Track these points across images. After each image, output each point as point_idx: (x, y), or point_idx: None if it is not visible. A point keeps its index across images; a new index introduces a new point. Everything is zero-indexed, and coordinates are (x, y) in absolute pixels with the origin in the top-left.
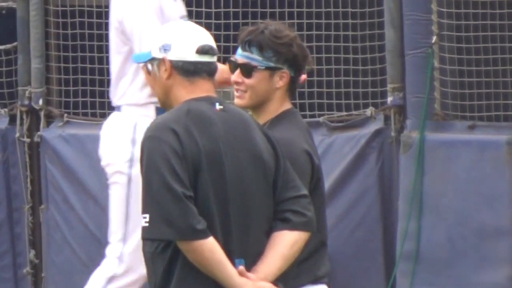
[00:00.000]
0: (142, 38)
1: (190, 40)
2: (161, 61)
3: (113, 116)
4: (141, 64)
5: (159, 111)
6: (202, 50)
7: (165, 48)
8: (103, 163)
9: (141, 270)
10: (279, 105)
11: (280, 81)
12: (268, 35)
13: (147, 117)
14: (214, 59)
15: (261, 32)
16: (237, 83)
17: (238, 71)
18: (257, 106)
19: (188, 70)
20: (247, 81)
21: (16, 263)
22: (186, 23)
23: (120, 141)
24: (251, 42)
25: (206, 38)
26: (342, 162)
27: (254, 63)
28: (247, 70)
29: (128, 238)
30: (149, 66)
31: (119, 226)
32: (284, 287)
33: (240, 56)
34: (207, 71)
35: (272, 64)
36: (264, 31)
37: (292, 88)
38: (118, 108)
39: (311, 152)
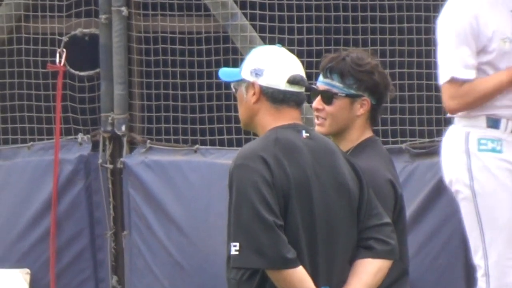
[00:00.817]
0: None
1: (282, 68)
2: (251, 84)
3: (449, 129)
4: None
5: (489, 121)
6: (294, 81)
7: (257, 73)
8: (446, 181)
9: (507, 279)
10: (360, 133)
11: (361, 108)
12: (350, 63)
13: (477, 128)
14: (303, 89)
15: (343, 59)
16: (317, 110)
17: (318, 98)
18: (338, 133)
19: (277, 98)
20: (328, 108)
21: None
22: (280, 49)
23: (454, 154)
24: (332, 69)
25: (298, 68)
26: (425, 188)
27: (335, 90)
28: (328, 97)
29: (489, 252)
30: (236, 86)
31: (477, 243)
32: None
33: (321, 83)
34: (295, 100)
35: (353, 92)
36: (345, 58)
37: (373, 116)
38: (451, 120)
39: (394, 182)
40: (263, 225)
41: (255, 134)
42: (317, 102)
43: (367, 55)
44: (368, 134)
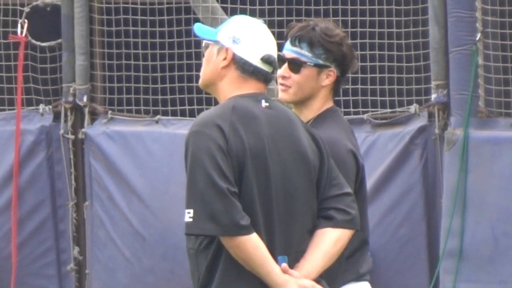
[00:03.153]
0: None
1: (259, 44)
2: (224, 49)
3: None
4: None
5: None
6: (267, 60)
7: (234, 40)
8: None
9: None
10: (323, 103)
11: (327, 79)
12: (320, 33)
13: None
14: (272, 70)
15: (312, 29)
16: (283, 77)
17: (285, 66)
18: (301, 102)
19: (247, 70)
20: (294, 76)
21: (60, 260)
22: (262, 25)
23: None
24: (301, 38)
25: (273, 48)
26: (386, 159)
27: (303, 58)
28: (296, 65)
29: None
30: (208, 44)
31: None
32: (328, 285)
33: (288, 51)
34: (263, 77)
35: (321, 62)
36: (315, 28)
37: (336, 87)
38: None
39: (355, 152)
40: (217, 191)
41: (216, 103)
42: (284, 70)
43: (336, 26)
44: (330, 104)
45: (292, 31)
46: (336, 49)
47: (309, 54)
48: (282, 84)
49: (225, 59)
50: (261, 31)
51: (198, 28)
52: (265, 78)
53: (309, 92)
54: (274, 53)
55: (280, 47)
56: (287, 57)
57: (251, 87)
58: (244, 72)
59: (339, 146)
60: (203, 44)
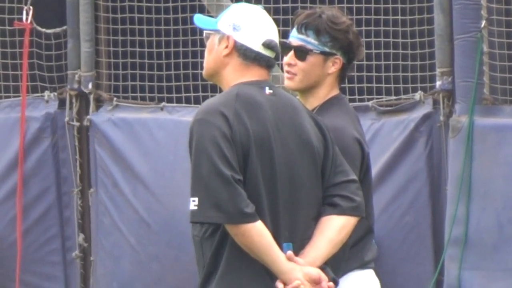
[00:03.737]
0: None
1: (260, 30)
2: (225, 37)
3: None
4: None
5: None
6: (269, 45)
7: (235, 27)
8: None
9: None
10: (328, 91)
11: (333, 67)
12: (326, 20)
13: None
14: (274, 55)
15: (319, 17)
16: (289, 65)
17: (291, 53)
18: (306, 90)
19: (249, 56)
20: (300, 64)
21: (65, 247)
22: (262, 11)
23: None
24: (308, 26)
25: (274, 33)
26: (391, 146)
27: (309, 46)
28: (302, 53)
29: None
30: (209, 34)
31: None
32: (333, 272)
33: (295, 38)
34: (266, 62)
35: (327, 49)
36: (321, 15)
37: (342, 75)
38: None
39: (361, 140)
40: (221, 179)
41: (221, 90)
42: (290, 57)
43: (342, 14)
44: (335, 92)
45: (299, 19)
46: (343, 37)
47: (315, 42)
48: (288, 72)
49: (226, 47)
50: (261, 17)
51: (198, 19)
52: (268, 63)
53: (315, 79)
54: (275, 38)
55: (286, 35)
56: (293, 45)
57: (254, 73)
58: (246, 59)
59: (344, 134)
60: (204, 35)
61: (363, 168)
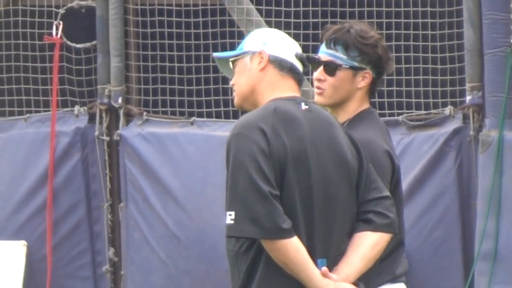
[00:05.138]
0: None
1: (288, 44)
2: (257, 53)
3: None
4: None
5: None
6: (301, 57)
7: (265, 42)
8: None
9: None
10: (358, 105)
11: (362, 81)
12: (354, 35)
13: None
14: (302, 70)
15: (347, 31)
16: (319, 80)
17: (321, 68)
18: (337, 105)
19: (285, 66)
20: (330, 79)
21: (95, 261)
22: (281, 31)
23: None
24: (336, 41)
25: (299, 50)
26: (421, 161)
27: (338, 61)
28: (331, 68)
29: None
30: (235, 61)
31: None
32: (365, 285)
33: (324, 53)
34: (298, 75)
35: (356, 64)
36: (350, 30)
37: (372, 89)
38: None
39: (391, 153)
40: (259, 194)
41: None
42: (319, 73)
43: (371, 28)
44: (366, 106)
45: (327, 34)
46: (371, 51)
47: (344, 57)
48: (318, 87)
49: (260, 62)
50: (284, 35)
51: (219, 54)
52: (299, 77)
53: (344, 94)
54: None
55: (315, 50)
56: (322, 60)
57: (290, 86)
58: (282, 69)
59: (375, 146)
60: (231, 66)
61: (393, 181)
